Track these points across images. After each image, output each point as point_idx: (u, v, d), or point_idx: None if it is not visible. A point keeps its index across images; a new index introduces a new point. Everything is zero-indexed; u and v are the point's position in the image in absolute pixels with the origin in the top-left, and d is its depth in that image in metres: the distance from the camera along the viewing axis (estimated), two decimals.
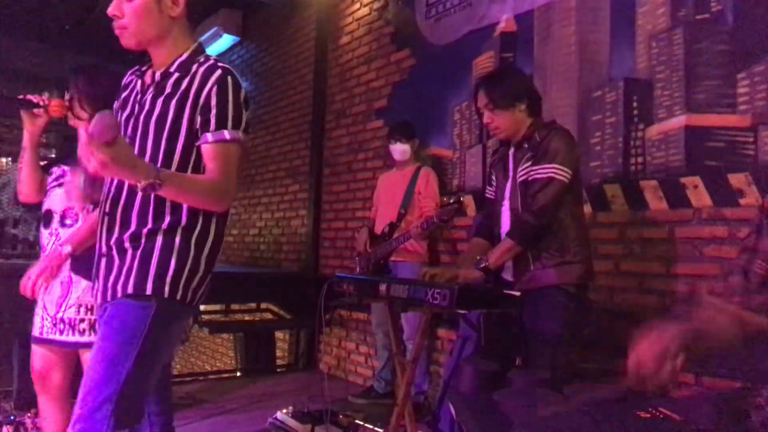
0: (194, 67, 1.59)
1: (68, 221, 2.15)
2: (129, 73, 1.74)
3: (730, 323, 1.19)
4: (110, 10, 1.56)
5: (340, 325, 4.78)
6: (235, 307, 5.46)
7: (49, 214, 2.20)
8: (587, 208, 3.00)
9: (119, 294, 1.52)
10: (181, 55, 1.61)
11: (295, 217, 5.62)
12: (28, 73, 7.37)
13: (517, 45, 3.50)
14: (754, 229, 1.28)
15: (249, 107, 1.64)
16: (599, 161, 2.99)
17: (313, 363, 4.99)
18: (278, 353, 5.39)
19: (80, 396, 1.45)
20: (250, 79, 6.60)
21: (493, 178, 2.53)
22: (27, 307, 2.26)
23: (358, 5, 4.95)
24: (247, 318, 5.45)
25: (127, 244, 1.54)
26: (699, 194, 2.58)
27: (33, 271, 2.02)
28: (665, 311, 2.63)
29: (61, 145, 7.54)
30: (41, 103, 2.09)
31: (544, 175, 2.20)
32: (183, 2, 1.60)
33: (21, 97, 2.10)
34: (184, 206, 1.55)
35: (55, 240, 2.16)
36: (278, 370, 5.19)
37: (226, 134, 1.55)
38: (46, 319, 2.13)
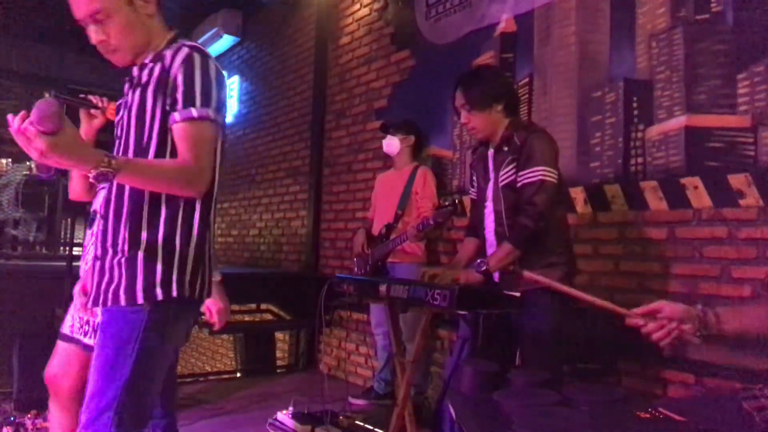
0: (166, 52, 1.55)
1: (94, 223, 2.15)
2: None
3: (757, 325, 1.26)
4: (94, 39, 1.52)
5: (340, 326, 4.78)
6: (235, 307, 5.41)
7: (94, 214, 2.20)
8: (587, 209, 3.00)
9: (110, 303, 1.49)
10: (158, 48, 1.59)
11: (295, 217, 5.62)
12: (28, 73, 7.38)
13: (517, 45, 3.50)
14: None
15: (223, 85, 1.57)
16: (599, 161, 2.99)
17: (313, 364, 4.99)
18: (278, 354, 5.39)
19: (84, 403, 1.45)
20: (250, 79, 6.61)
21: (474, 179, 2.55)
22: (27, 308, 2.26)
23: (358, 6, 4.95)
24: (247, 318, 5.45)
25: (118, 248, 1.51)
26: (699, 195, 2.58)
27: None
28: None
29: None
30: (99, 105, 2.09)
31: (535, 179, 2.22)
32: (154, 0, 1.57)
33: (82, 96, 2.10)
34: (162, 206, 1.50)
35: (94, 241, 2.16)
36: (278, 370, 5.19)
37: (194, 112, 1.48)
38: (75, 319, 2.13)
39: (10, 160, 7.21)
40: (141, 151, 1.51)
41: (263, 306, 5.42)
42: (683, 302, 2.44)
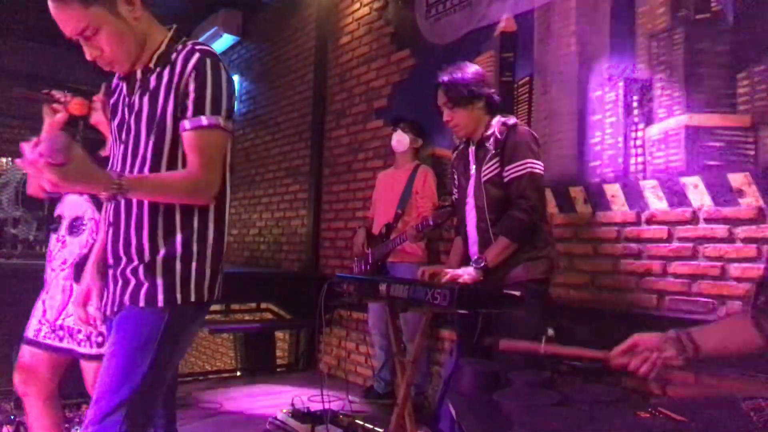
0: (173, 56, 1.53)
1: (75, 230, 2.15)
2: (116, 77, 1.69)
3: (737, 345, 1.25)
4: (89, 56, 1.51)
5: (340, 325, 4.78)
6: (235, 307, 5.46)
7: (59, 219, 2.19)
8: (587, 209, 3.00)
9: (128, 303, 1.50)
10: (159, 47, 1.56)
11: (295, 217, 5.62)
12: (28, 73, 7.37)
13: (516, 45, 3.50)
14: None
15: (234, 90, 1.58)
16: (599, 161, 2.99)
17: (313, 363, 4.99)
18: (278, 353, 5.39)
19: (93, 399, 1.44)
20: (250, 79, 6.61)
21: (455, 177, 2.56)
22: (27, 307, 2.26)
23: (358, 5, 4.95)
24: (247, 318, 5.45)
25: (133, 255, 1.51)
26: (699, 194, 2.58)
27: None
28: (664, 311, 2.63)
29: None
30: (62, 100, 2.09)
31: (524, 172, 2.25)
32: (138, 0, 1.53)
33: (45, 92, 2.10)
34: (177, 210, 1.52)
35: (61, 247, 2.15)
36: (278, 370, 5.20)
37: (204, 120, 1.48)
38: (44, 324, 2.13)
39: (10, 159, 7.21)
40: (154, 159, 1.51)
41: (263, 305, 5.42)
42: (683, 303, 2.45)
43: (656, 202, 2.73)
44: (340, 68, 5.11)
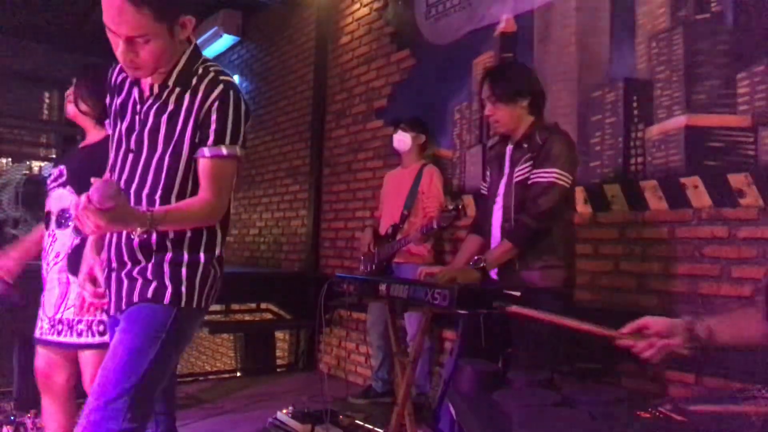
0: (194, 80, 1.57)
1: (63, 221, 2.15)
2: (117, 69, 1.68)
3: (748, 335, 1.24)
4: (124, 57, 1.48)
5: (340, 325, 4.79)
6: (235, 307, 5.46)
7: (48, 215, 2.20)
8: (587, 209, 3.00)
9: (136, 299, 1.54)
10: (177, 63, 1.57)
11: (295, 217, 5.62)
12: (28, 73, 7.37)
13: (517, 45, 3.50)
14: None
15: (249, 120, 1.64)
16: (599, 161, 2.99)
17: (313, 363, 4.99)
18: (278, 353, 5.39)
19: (96, 387, 1.45)
20: (250, 79, 6.61)
21: (488, 174, 2.54)
22: (27, 307, 2.26)
23: (358, 5, 4.95)
24: (247, 318, 5.45)
25: (139, 256, 1.56)
26: (699, 194, 2.58)
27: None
28: (665, 311, 2.63)
29: (61, 145, 7.55)
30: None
31: (546, 180, 2.20)
32: (191, 26, 1.55)
33: None
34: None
35: (52, 241, 2.16)
36: (278, 370, 5.19)
37: (224, 150, 1.55)
38: (44, 320, 2.13)
39: (10, 159, 7.21)
40: (167, 179, 1.56)
41: (263, 305, 5.42)
42: (684, 302, 2.45)
43: (656, 202, 2.73)
44: (340, 68, 5.11)
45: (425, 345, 3.42)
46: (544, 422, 1.12)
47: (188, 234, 1.58)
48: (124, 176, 1.61)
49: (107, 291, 1.65)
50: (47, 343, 2.12)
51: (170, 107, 1.57)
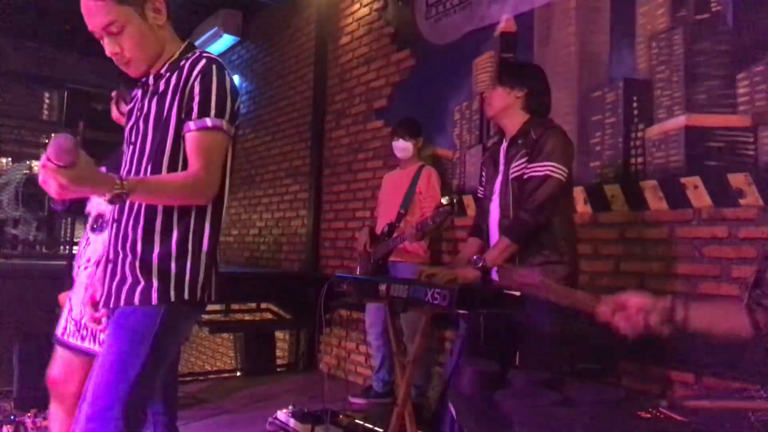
0: (182, 62, 1.59)
1: (98, 227, 2.15)
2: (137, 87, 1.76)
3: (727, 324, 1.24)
4: (109, 51, 1.56)
5: (340, 325, 4.78)
6: (235, 307, 5.46)
7: (87, 216, 2.21)
8: (587, 209, 3.00)
9: (122, 303, 1.52)
10: (172, 56, 1.62)
11: (295, 217, 5.62)
12: (28, 73, 7.37)
13: (517, 45, 3.50)
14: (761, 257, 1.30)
15: (237, 98, 1.62)
16: (599, 161, 2.99)
17: (313, 363, 4.99)
18: (278, 353, 5.39)
19: (88, 395, 1.44)
20: (250, 79, 6.61)
21: (483, 174, 2.54)
22: (27, 307, 2.26)
23: (358, 5, 4.95)
24: (247, 318, 5.45)
25: (131, 251, 1.54)
26: (699, 194, 2.58)
27: None
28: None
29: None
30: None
31: (541, 173, 2.21)
32: (165, 9, 1.60)
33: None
34: (174, 208, 1.55)
35: (85, 244, 2.16)
36: (278, 370, 5.19)
37: (208, 122, 1.53)
38: (70, 322, 2.12)
39: (10, 159, 7.21)
40: (156, 157, 1.55)
41: (263, 305, 5.42)
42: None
43: (656, 202, 2.73)
44: (340, 68, 5.11)
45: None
46: (544, 422, 1.12)
47: (175, 224, 1.54)
48: (126, 169, 1.62)
49: (102, 284, 1.63)
50: (69, 346, 2.11)
51: (160, 89, 1.58)
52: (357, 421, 3.07)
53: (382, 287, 2.37)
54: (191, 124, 1.52)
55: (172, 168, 1.55)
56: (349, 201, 4.89)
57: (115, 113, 2.32)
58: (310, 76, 5.48)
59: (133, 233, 1.54)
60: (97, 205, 2.18)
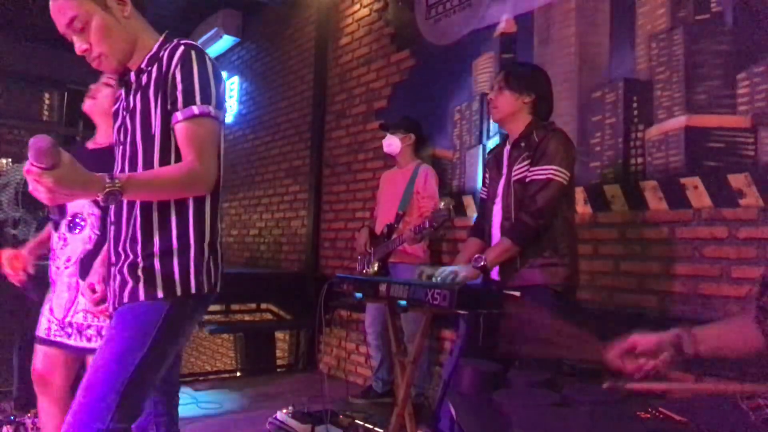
0: (161, 53, 1.55)
1: (75, 226, 2.14)
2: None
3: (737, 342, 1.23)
4: (78, 49, 1.53)
5: (340, 326, 4.78)
6: (235, 307, 5.46)
7: (61, 216, 2.19)
8: (587, 209, 3.00)
9: (127, 300, 1.50)
10: (151, 50, 1.59)
11: (295, 217, 5.62)
12: (28, 73, 7.37)
13: (517, 46, 3.50)
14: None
15: (222, 82, 1.58)
16: (599, 161, 2.99)
17: (313, 363, 4.99)
18: (278, 353, 5.39)
19: (83, 385, 1.42)
20: (250, 79, 6.61)
21: (487, 176, 2.55)
22: (27, 307, 2.26)
23: (358, 6, 4.95)
24: (247, 318, 5.45)
25: (132, 252, 1.52)
26: (699, 195, 2.58)
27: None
28: (665, 311, 2.64)
29: (61, 146, 7.54)
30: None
31: (543, 176, 2.21)
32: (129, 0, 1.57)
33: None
34: (172, 202, 1.52)
35: (63, 245, 2.15)
36: (278, 370, 5.20)
37: (195, 109, 1.49)
38: (53, 322, 2.12)
39: (10, 159, 7.21)
40: (147, 153, 1.52)
41: (263, 306, 5.42)
42: (684, 302, 2.44)
43: (656, 202, 2.73)
44: (340, 69, 5.11)
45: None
46: (544, 422, 1.12)
47: (174, 218, 1.52)
48: (119, 170, 1.59)
49: (108, 289, 1.62)
50: (54, 344, 2.12)
51: (143, 84, 1.55)
52: (357, 421, 3.07)
53: (383, 287, 2.37)
54: (178, 115, 1.49)
55: (163, 162, 1.52)
56: (349, 201, 4.89)
57: (87, 104, 2.27)
58: (310, 76, 5.49)
59: (132, 233, 1.52)
60: (72, 204, 2.15)
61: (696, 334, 1.27)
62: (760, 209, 2.38)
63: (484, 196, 2.57)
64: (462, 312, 2.15)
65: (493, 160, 2.52)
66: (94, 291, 1.74)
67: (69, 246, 2.13)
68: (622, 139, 2.89)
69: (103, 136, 2.29)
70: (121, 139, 1.60)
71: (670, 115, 2.71)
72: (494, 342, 2.22)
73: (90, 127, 2.29)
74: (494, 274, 2.32)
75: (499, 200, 2.38)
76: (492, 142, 3.53)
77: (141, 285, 1.49)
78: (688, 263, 2.60)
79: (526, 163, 2.28)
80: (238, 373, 5.18)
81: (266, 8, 6.23)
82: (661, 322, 2.50)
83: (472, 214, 3.68)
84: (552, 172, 2.21)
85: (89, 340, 2.07)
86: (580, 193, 3.02)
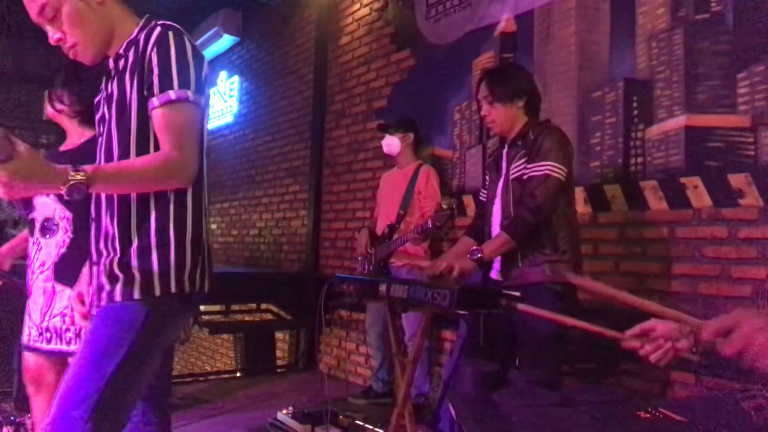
0: (139, 36, 1.47)
1: (48, 231, 2.12)
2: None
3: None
4: (52, 39, 1.47)
5: (340, 326, 4.78)
6: (235, 307, 5.46)
7: (32, 222, 2.16)
8: (587, 209, 3.00)
9: (104, 302, 1.43)
10: (130, 35, 1.50)
11: (295, 217, 5.62)
12: (28, 73, 7.37)
13: (517, 45, 3.50)
14: None
15: (204, 65, 1.47)
16: (599, 161, 2.99)
17: (313, 363, 4.99)
18: (278, 353, 5.39)
19: (57, 394, 1.35)
20: (250, 79, 6.61)
21: (487, 179, 2.55)
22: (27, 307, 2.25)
23: (358, 5, 4.95)
24: (247, 318, 5.45)
25: (111, 249, 1.45)
26: (699, 194, 2.58)
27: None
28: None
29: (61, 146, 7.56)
30: None
31: (540, 173, 2.21)
32: None
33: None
34: (151, 196, 1.43)
35: (37, 250, 2.13)
36: (278, 370, 5.20)
37: (172, 94, 1.39)
38: (32, 327, 2.12)
39: None
40: (123, 143, 1.44)
41: (263, 306, 5.42)
42: (684, 302, 2.45)
43: (656, 202, 2.73)
44: (340, 68, 5.11)
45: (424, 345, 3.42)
46: (544, 422, 1.12)
47: (153, 212, 1.42)
48: (98, 162, 1.50)
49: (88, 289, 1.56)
50: (35, 350, 2.11)
51: (120, 70, 1.47)
52: (357, 421, 3.07)
53: (383, 287, 2.36)
54: (154, 101, 1.39)
55: (141, 152, 1.43)
56: (349, 201, 4.89)
57: (49, 110, 2.24)
58: (310, 76, 5.49)
59: (110, 229, 1.45)
60: (44, 209, 2.11)
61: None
62: (760, 209, 2.38)
63: (483, 198, 2.57)
64: (462, 312, 2.15)
65: (492, 163, 2.52)
66: (83, 302, 1.67)
67: (43, 250, 2.11)
68: (622, 138, 2.89)
69: (74, 137, 2.25)
70: (101, 130, 1.53)
71: (670, 115, 2.71)
72: (494, 342, 2.22)
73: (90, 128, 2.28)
74: (494, 273, 2.32)
75: (498, 200, 2.38)
76: (492, 142, 3.52)
77: (118, 285, 1.41)
78: (688, 263, 2.60)
79: (523, 161, 2.28)
80: (238, 373, 5.18)
81: (266, 8, 6.23)
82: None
83: (473, 214, 3.68)
84: (549, 167, 2.21)
85: (68, 343, 2.05)
86: (580, 193, 3.02)
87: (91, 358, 1.36)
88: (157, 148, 1.42)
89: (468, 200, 3.73)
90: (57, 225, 2.10)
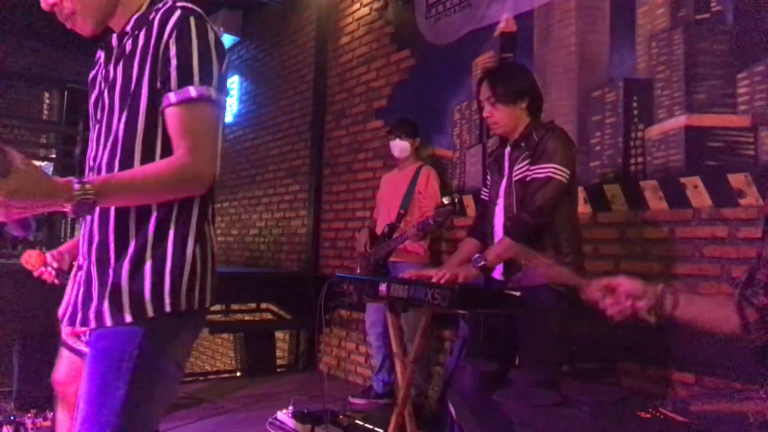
0: (152, 15, 1.28)
1: None
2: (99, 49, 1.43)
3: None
4: (46, 3, 1.29)
5: (340, 326, 4.79)
6: (235, 307, 5.46)
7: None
8: (587, 209, 3.00)
9: (93, 324, 1.24)
10: (140, 9, 1.32)
11: (295, 217, 5.62)
12: (28, 72, 7.37)
13: (516, 45, 3.50)
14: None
15: (224, 58, 1.30)
16: (599, 161, 2.99)
17: (313, 363, 4.99)
18: (278, 353, 5.39)
19: (76, 424, 1.23)
20: (250, 79, 6.61)
21: (488, 178, 2.54)
22: (27, 307, 2.25)
23: (358, 5, 4.95)
24: (247, 318, 5.45)
25: (102, 257, 1.27)
26: (699, 194, 2.58)
27: None
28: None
29: (61, 146, 7.56)
30: None
31: (543, 175, 2.20)
32: None
33: None
34: (153, 205, 1.26)
35: (80, 248, 2.12)
36: (278, 370, 5.19)
37: (192, 91, 1.22)
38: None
39: None
40: (126, 140, 1.26)
41: (263, 305, 5.42)
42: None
43: (656, 202, 2.73)
44: (340, 68, 5.11)
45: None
46: (544, 422, 1.12)
47: (153, 218, 1.24)
48: (92, 154, 1.33)
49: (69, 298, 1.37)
50: (70, 348, 2.10)
51: (127, 51, 1.28)
52: (357, 421, 3.07)
53: (383, 287, 2.36)
54: (171, 96, 1.22)
55: (146, 151, 1.25)
56: (349, 201, 4.89)
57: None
58: (310, 76, 5.49)
59: (101, 235, 1.26)
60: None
61: (679, 297, 1.28)
62: (760, 209, 2.38)
63: (485, 198, 2.56)
64: (462, 312, 2.15)
65: (494, 162, 2.51)
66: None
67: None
68: (622, 138, 2.89)
69: None
70: (98, 116, 1.33)
71: (670, 115, 2.71)
72: (495, 342, 2.22)
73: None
74: (497, 273, 2.32)
75: (500, 201, 2.37)
76: (492, 141, 3.52)
77: (106, 305, 1.23)
78: (688, 263, 2.60)
79: (526, 162, 2.27)
80: (238, 373, 5.17)
81: (266, 8, 6.23)
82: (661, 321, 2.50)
83: (473, 213, 3.68)
84: (552, 170, 2.20)
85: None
86: (580, 193, 3.02)
87: (93, 388, 1.22)
88: (164, 148, 1.26)
89: (468, 200, 3.73)
90: None
